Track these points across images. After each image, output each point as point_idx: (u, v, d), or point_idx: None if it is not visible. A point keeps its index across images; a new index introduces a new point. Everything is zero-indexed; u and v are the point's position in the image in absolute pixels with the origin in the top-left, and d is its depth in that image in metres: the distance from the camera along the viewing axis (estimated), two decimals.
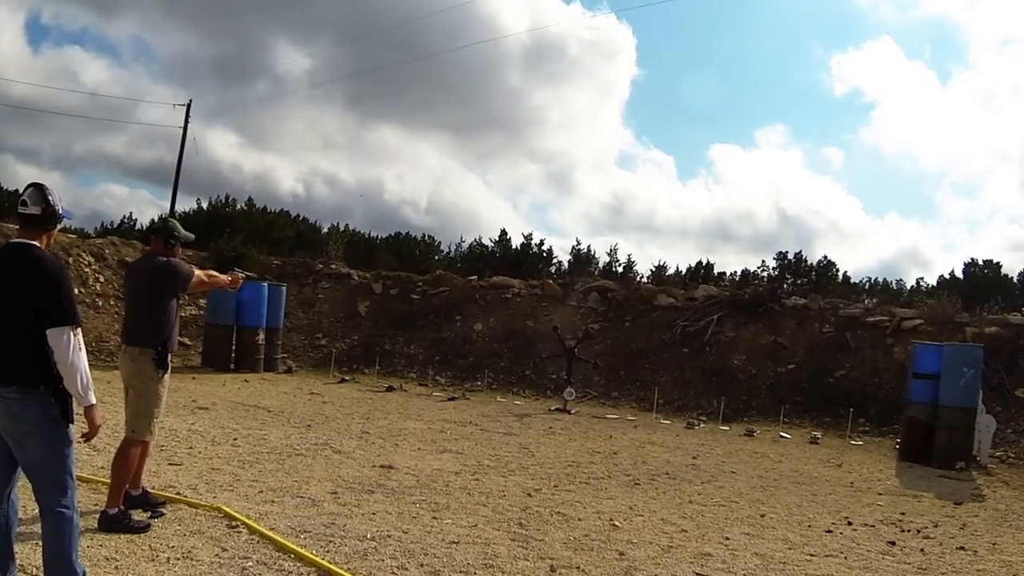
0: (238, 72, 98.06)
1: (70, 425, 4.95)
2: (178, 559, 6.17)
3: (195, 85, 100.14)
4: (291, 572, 6.11)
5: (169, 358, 7.25)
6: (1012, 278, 39.86)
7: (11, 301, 4.80)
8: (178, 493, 8.24)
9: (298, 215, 41.53)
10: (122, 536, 6.50)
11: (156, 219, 9.67)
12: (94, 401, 5.01)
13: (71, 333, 4.81)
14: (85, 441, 5.30)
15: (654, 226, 79.81)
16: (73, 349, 4.80)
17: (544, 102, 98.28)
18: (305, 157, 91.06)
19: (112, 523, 6.64)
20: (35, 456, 4.86)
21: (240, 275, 8.37)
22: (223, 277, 8.15)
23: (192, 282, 7.53)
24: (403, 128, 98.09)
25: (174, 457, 10.07)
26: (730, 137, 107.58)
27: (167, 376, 7.27)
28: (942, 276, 40.56)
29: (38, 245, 4.96)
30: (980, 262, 41.09)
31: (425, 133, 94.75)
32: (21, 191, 5.18)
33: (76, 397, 4.91)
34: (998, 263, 40.86)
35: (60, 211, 5.06)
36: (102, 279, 24.71)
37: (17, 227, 5.10)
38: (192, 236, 8.10)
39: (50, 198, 4.97)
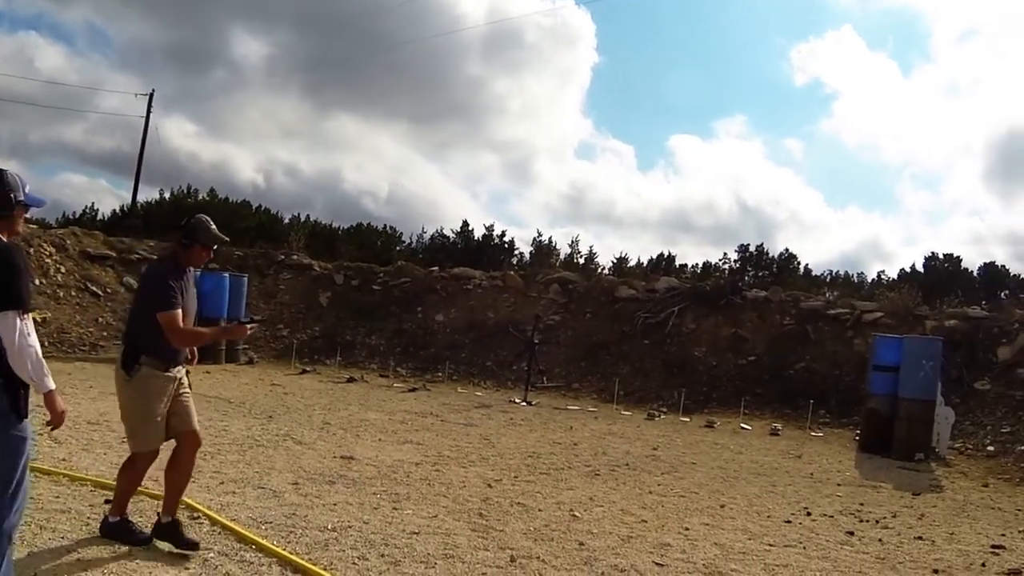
0: (195, 60, 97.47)
1: (23, 420, 4.60)
2: (139, 549, 6.07)
3: (152, 73, 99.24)
4: (252, 563, 6.03)
5: (142, 360, 6.03)
6: (972, 272, 40.27)
7: None
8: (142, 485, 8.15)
9: (260, 205, 41.30)
10: (84, 528, 6.39)
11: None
12: (52, 386, 4.72)
13: (17, 317, 4.47)
14: (52, 429, 5.02)
15: (614, 217, 79.84)
16: (20, 333, 4.47)
17: (504, 90, 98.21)
18: (263, 146, 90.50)
19: (113, 531, 6.27)
20: None
21: (249, 325, 6.56)
22: (217, 330, 7.17)
23: (167, 316, 5.95)
24: (361, 117, 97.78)
25: None
26: (690, 127, 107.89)
27: (146, 382, 6.07)
28: (903, 269, 40.91)
29: None
30: (941, 256, 41.47)
31: (383, 122, 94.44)
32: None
33: (30, 384, 4.60)
34: (958, 257, 41.29)
35: (19, 197, 4.71)
36: (63, 270, 24.37)
37: None
38: (224, 238, 6.51)
39: (7, 182, 4.65)
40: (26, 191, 4.76)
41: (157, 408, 6.13)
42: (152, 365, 6.07)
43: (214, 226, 6.33)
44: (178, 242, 6.28)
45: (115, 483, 6.50)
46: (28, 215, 5.03)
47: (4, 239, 4.62)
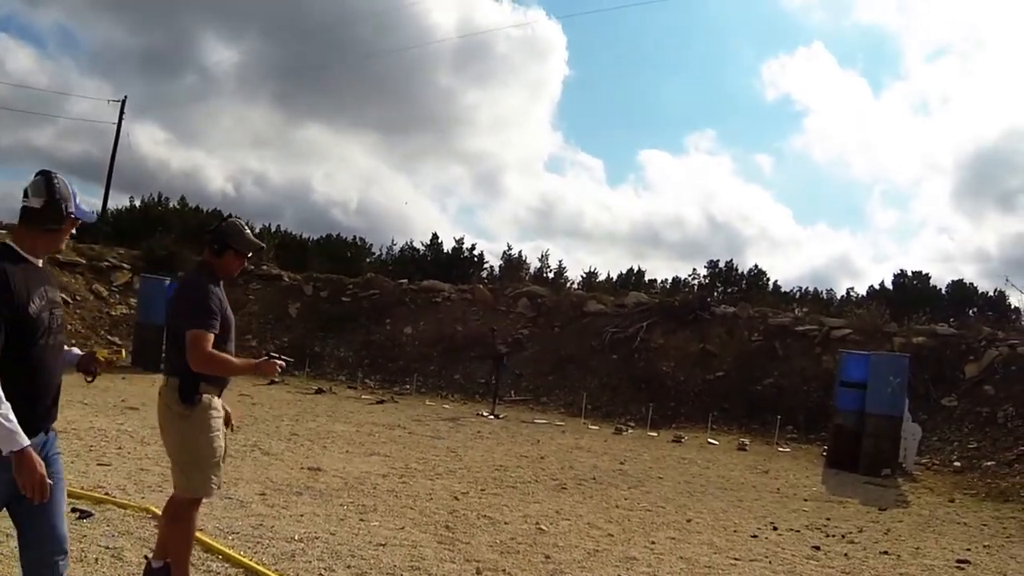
0: (166, 66, 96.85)
1: None
2: (106, 559, 6.04)
3: (121, 78, 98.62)
4: (219, 573, 6.00)
5: (201, 389, 5.23)
6: (940, 289, 40.46)
7: None
8: (107, 493, 8.10)
9: (230, 214, 40.93)
10: None
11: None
12: (24, 443, 3.58)
13: None
14: (31, 499, 3.67)
15: (583, 231, 79.80)
16: None
17: (473, 102, 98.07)
18: (234, 155, 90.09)
19: None
20: None
21: (279, 362, 5.43)
22: (248, 363, 5.56)
23: (197, 334, 5.07)
24: (331, 127, 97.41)
25: (103, 457, 9.91)
26: (659, 142, 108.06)
27: (207, 414, 5.26)
28: (872, 286, 41.03)
29: (8, 243, 3.83)
30: (909, 273, 41.67)
31: (353, 132, 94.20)
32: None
33: None
34: (927, 274, 41.47)
35: (70, 209, 3.90)
36: None
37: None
38: (260, 244, 5.77)
39: (57, 190, 3.85)
40: (76, 202, 3.98)
41: (222, 444, 5.38)
42: (211, 393, 5.31)
43: (248, 231, 5.62)
44: (209, 249, 5.47)
45: (161, 535, 5.58)
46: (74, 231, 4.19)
47: (38, 257, 3.91)
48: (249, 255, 5.63)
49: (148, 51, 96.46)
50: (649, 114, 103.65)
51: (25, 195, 3.86)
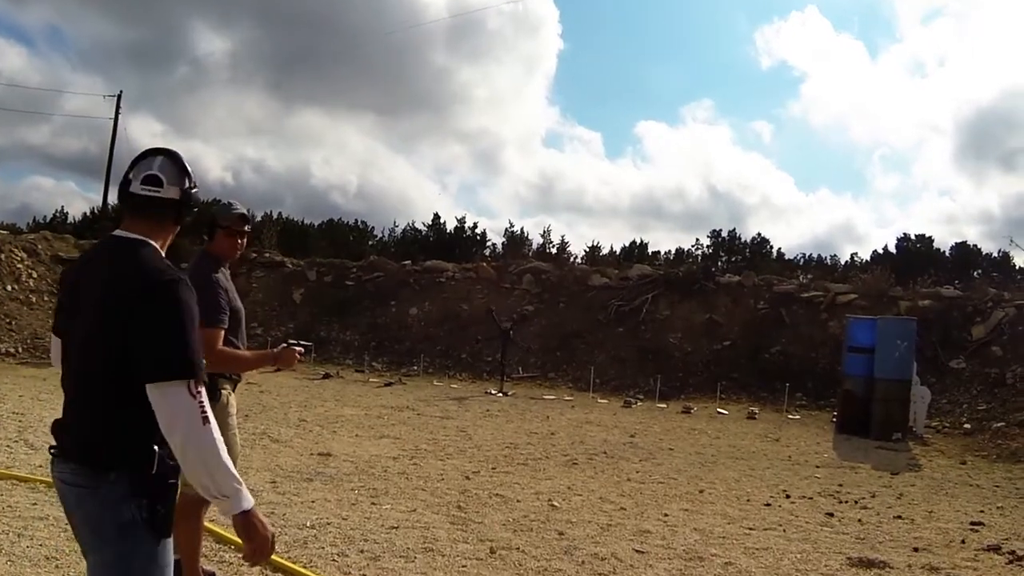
0: (158, 58, 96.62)
1: (163, 540, 2.96)
2: None
3: (114, 73, 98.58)
4: (232, 563, 5.94)
5: (219, 383, 5.00)
6: (944, 252, 40.44)
7: (90, 331, 2.90)
8: None
9: (215, 199, 41.00)
10: (62, 534, 6.26)
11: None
12: (249, 504, 2.90)
13: (188, 389, 2.76)
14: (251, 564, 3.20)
15: (584, 205, 79.71)
16: (190, 416, 2.75)
17: (468, 80, 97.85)
18: (230, 144, 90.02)
19: None
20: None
21: (297, 349, 5.25)
22: (265, 355, 5.32)
23: (211, 337, 4.69)
24: (326, 111, 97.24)
25: None
26: (656, 113, 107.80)
27: (222, 412, 4.94)
28: (876, 251, 41.06)
29: (156, 247, 3.06)
30: (913, 236, 41.65)
31: (349, 116, 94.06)
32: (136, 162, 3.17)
33: (208, 496, 2.86)
34: (930, 237, 41.50)
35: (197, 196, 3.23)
36: (35, 275, 24.18)
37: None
38: (241, 211, 5.29)
39: (190, 176, 3.16)
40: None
41: (237, 441, 5.20)
42: (227, 389, 5.13)
43: (240, 206, 5.29)
44: (205, 237, 5.24)
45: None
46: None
47: (165, 262, 3.05)
48: (243, 230, 5.28)
49: (139, 44, 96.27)
50: (645, 85, 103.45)
51: (153, 181, 3.05)
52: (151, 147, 3.19)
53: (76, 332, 2.96)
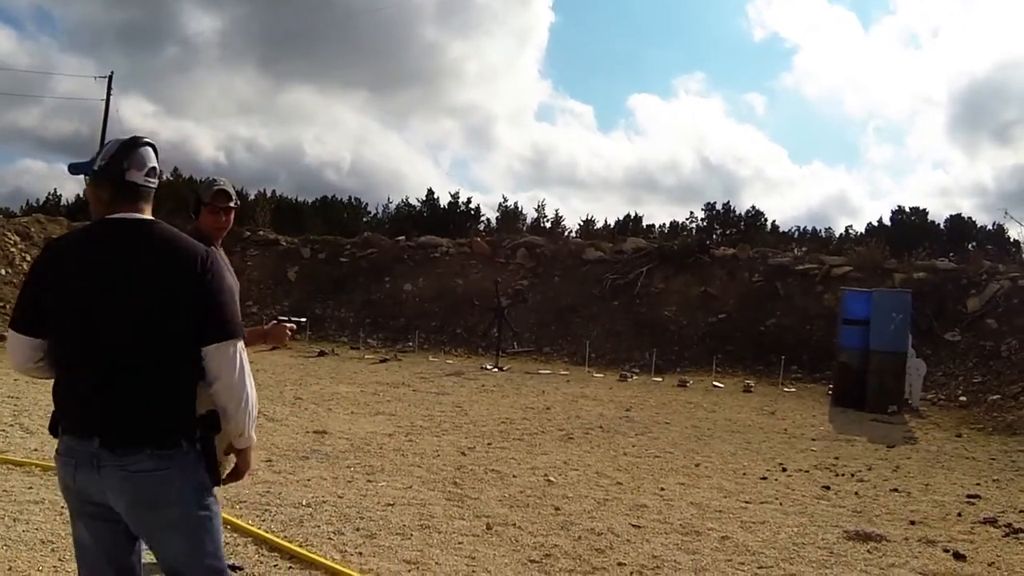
0: (147, 38, 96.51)
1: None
2: None
3: (104, 54, 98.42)
4: (228, 543, 5.88)
5: None
6: (939, 224, 40.51)
7: (136, 305, 3.10)
8: None
9: (205, 177, 40.91)
10: (58, 518, 6.24)
11: None
12: (255, 442, 3.44)
13: (236, 347, 3.20)
14: (224, 484, 3.47)
15: (577, 179, 79.89)
16: (242, 368, 3.21)
17: (459, 54, 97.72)
18: (222, 123, 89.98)
19: None
20: (180, 548, 3.23)
21: (288, 325, 5.22)
22: (256, 331, 5.22)
23: None
24: (318, 89, 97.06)
25: None
26: (648, 86, 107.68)
27: None
28: (870, 223, 41.19)
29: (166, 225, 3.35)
30: (907, 209, 41.71)
31: (341, 92, 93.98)
32: (107, 147, 3.34)
33: (238, 436, 3.32)
34: (924, 209, 41.62)
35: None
36: (29, 258, 24.06)
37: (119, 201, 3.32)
38: (220, 186, 5.12)
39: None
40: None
41: None
42: None
43: (223, 182, 5.16)
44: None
45: None
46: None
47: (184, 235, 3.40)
48: (227, 206, 5.08)
49: (128, 24, 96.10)
50: (637, 57, 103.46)
51: (153, 173, 3.39)
52: (134, 135, 3.40)
53: (106, 310, 3.10)
